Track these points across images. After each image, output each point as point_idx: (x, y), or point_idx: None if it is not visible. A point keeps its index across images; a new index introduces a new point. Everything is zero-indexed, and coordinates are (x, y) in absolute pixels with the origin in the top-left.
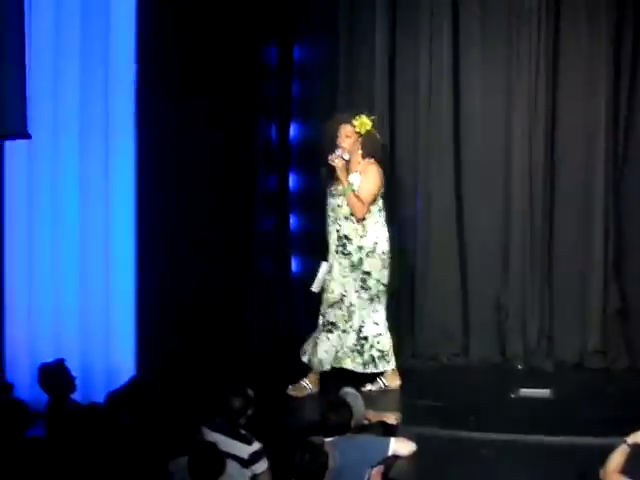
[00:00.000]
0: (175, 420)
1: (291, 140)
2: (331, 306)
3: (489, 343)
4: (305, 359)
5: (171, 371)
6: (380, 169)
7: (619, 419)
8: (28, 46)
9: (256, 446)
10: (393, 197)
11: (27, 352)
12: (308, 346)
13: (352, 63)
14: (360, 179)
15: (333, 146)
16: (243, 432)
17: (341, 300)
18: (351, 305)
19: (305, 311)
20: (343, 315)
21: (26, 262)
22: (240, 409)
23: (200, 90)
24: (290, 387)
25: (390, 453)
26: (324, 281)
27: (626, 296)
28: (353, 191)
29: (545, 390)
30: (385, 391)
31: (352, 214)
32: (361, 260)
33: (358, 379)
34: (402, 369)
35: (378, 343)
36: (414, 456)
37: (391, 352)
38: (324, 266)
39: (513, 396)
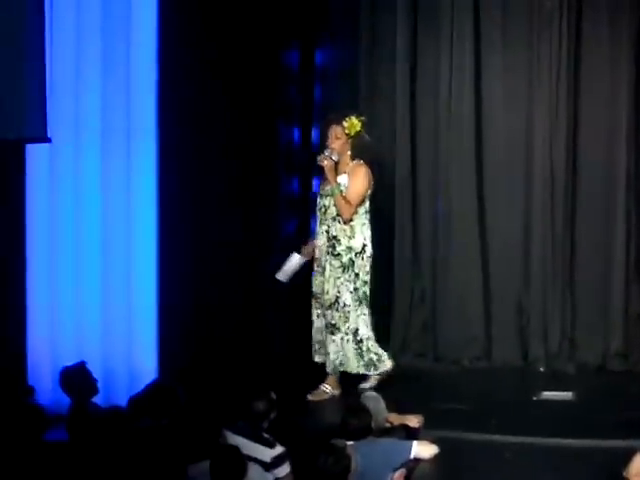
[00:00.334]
0: (197, 423)
1: (312, 144)
2: (329, 307)
3: (511, 346)
4: (319, 359)
5: (193, 374)
6: (369, 170)
7: None
8: (50, 46)
9: (279, 450)
10: (413, 198)
11: (49, 355)
12: (319, 348)
13: (373, 67)
14: (348, 180)
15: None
16: (266, 435)
17: (336, 301)
18: (345, 306)
19: None
20: (340, 317)
21: (48, 264)
22: (263, 412)
23: (221, 92)
24: (309, 394)
25: (412, 456)
26: (294, 273)
27: None
28: (341, 192)
29: (567, 393)
30: (407, 394)
31: (339, 215)
32: (352, 261)
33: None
34: (424, 372)
35: (372, 346)
36: (436, 459)
37: (382, 352)
38: (295, 258)
39: (535, 399)
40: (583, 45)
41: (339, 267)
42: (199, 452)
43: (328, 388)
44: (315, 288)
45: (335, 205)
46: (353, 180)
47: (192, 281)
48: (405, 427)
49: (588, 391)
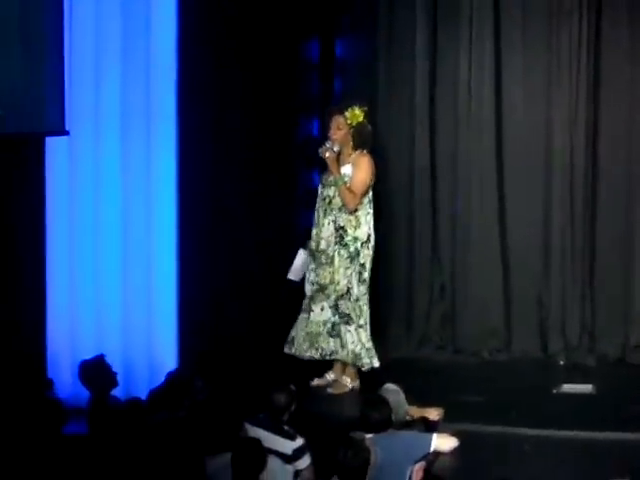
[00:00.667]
0: (218, 416)
1: None
2: (341, 298)
3: (531, 339)
4: (289, 350)
5: (213, 367)
6: (372, 160)
7: None
8: (69, 40)
9: (299, 442)
10: (432, 195)
11: (69, 348)
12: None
13: (392, 61)
14: (352, 170)
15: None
16: (286, 428)
17: (348, 292)
18: (358, 299)
19: None
20: (354, 308)
21: (68, 258)
22: (284, 405)
23: (241, 85)
24: (329, 388)
25: (432, 449)
26: (304, 270)
27: None
28: (345, 183)
29: (587, 385)
30: (427, 387)
31: (344, 205)
32: (357, 251)
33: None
34: (444, 364)
35: (369, 341)
36: (456, 452)
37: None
38: (302, 254)
39: (555, 392)
40: (603, 44)
41: (347, 257)
42: (219, 445)
43: (347, 380)
44: (322, 280)
45: (339, 195)
46: (357, 170)
47: (212, 275)
48: (424, 420)
49: (608, 384)
